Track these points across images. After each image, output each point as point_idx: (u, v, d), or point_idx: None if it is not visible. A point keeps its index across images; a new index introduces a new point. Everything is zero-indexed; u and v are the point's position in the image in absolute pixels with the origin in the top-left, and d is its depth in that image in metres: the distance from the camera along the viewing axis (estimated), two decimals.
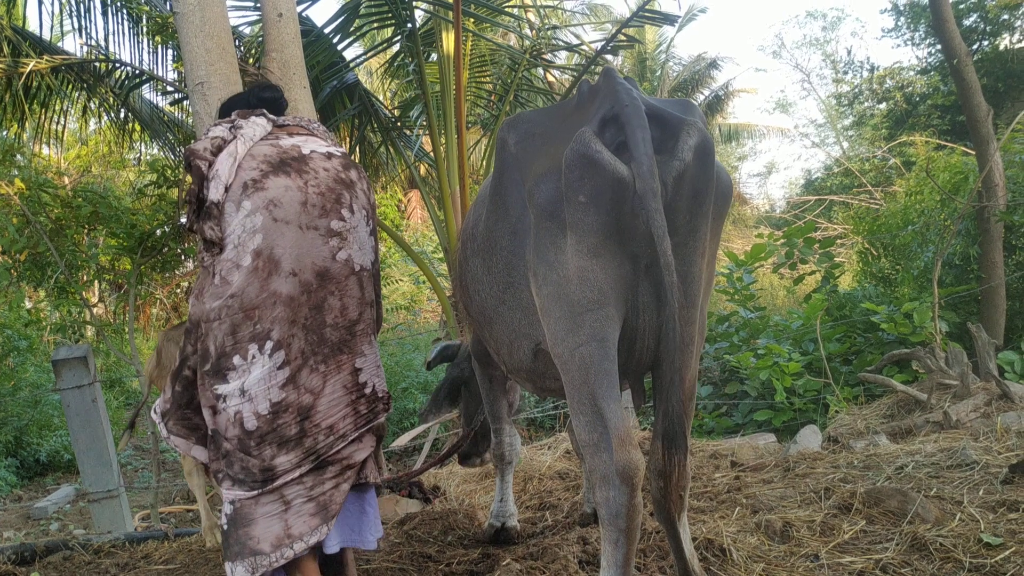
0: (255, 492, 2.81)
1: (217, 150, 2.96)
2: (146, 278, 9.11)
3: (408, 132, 9.16)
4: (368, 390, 3.09)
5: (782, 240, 9.42)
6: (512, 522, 4.15)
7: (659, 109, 2.61)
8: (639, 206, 2.44)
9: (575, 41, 11.46)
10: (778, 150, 65.35)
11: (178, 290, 15.96)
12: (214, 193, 2.92)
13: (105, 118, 8.72)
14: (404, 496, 4.81)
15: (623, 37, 8.46)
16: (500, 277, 3.05)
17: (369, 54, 9.11)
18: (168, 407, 3.07)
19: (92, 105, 8.40)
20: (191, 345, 2.98)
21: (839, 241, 12.27)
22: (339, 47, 7.87)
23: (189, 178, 3.04)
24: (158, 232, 7.49)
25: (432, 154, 8.50)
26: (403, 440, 7.27)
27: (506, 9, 9.02)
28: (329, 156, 3.19)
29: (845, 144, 28.50)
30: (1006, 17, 16.86)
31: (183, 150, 8.62)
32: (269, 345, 2.86)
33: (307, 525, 2.84)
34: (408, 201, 22.44)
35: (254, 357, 2.85)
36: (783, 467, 4.91)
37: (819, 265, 9.27)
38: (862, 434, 5.67)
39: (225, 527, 2.87)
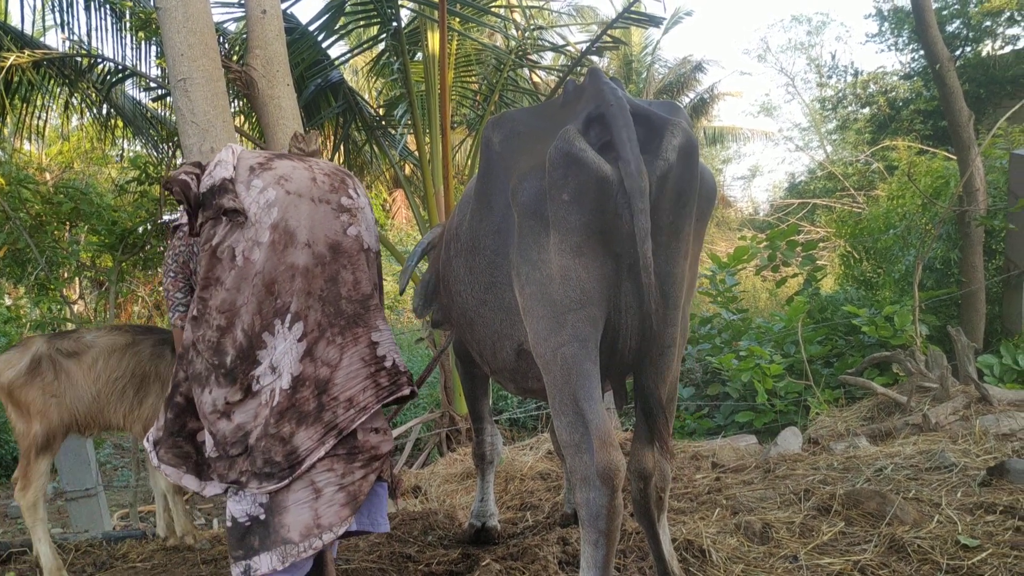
0: (286, 480, 2.78)
1: (196, 174, 3.01)
2: (127, 276, 9.05)
3: (393, 131, 9.15)
4: (388, 363, 3.06)
5: (765, 243, 9.46)
6: (492, 522, 4.14)
7: (644, 109, 2.60)
8: (624, 205, 2.43)
9: (561, 42, 11.48)
10: (762, 153, 65.62)
11: (160, 288, 15.84)
12: (222, 172, 2.94)
13: (87, 114, 8.65)
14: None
15: (608, 38, 8.47)
16: (483, 277, 3.05)
17: (354, 52, 9.07)
18: (160, 435, 3.03)
19: (74, 101, 8.32)
20: (183, 371, 2.97)
21: (822, 244, 12.33)
22: (324, 45, 7.85)
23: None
24: (140, 229, 7.44)
25: (416, 154, 8.49)
26: None
27: (492, 9, 9.02)
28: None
29: (829, 148, 28.62)
30: (988, 24, 17.00)
31: (166, 147, 8.61)
32: (288, 318, 2.87)
33: (337, 516, 2.81)
34: (393, 201, 22.39)
35: (279, 332, 2.86)
36: (763, 469, 4.93)
37: (801, 268, 9.31)
38: (842, 436, 5.70)
39: (248, 524, 2.83)
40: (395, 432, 7.42)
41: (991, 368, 7.25)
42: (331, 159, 8.90)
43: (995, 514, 3.65)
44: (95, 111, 8.50)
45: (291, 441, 2.79)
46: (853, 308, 8.02)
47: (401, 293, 4.44)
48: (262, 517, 2.81)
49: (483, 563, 3.53)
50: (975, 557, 3.17)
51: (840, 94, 23.01)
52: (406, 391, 3.09)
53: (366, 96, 12.77)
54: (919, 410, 5.89)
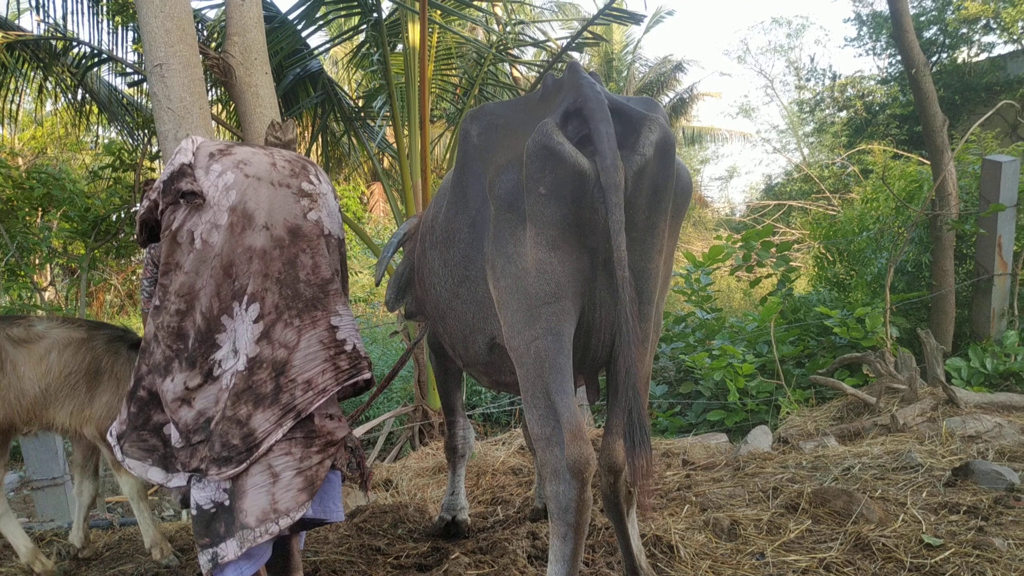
0: (244, 465, 2.76)
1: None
2: (100, 263, 8.97)
3: (371, 123, 9.11)
4: (349, 347, 3.05)
5: (740, 243, 9.51)
6: (463, 516, 4.15)
7: (622, 104, 2.61)
8: (600, 200, 2.43)
9: (542, 37, 11.48)
10: (740, 154, 66.06)
11: (133, 277, 15.68)
12: (181, 158, 2.96)
13: (62, 99, 8.55)
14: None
15: (589, 35, 8.48)
16: (457, 270, 3.05)
17: (335, 41, 9.01)
18: (124, 428, 2.99)
19: (48, 85, 8.22)
20: (145, 364, 2.96)
21: (796, 246, 12.42)
22: (303, 34, 7.79)
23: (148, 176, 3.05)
24: (113, 217, 7.37)
25: (395, 146, 8.46)
26: (357, 432, 7.22)
27: (473, 3, 9.00)
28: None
29: (806, 150, 28.86)
30: (965, 31, 17.20)
31: (142, 134, 8.52)
32: (245, 299, 2.87)
33: (295, 501, 2.79)
34: (371, 194, 22.33)
35: (237, 314, 2.87)
36: (733, 466, 4.97)
37: (775, 269, 9.37)
38: (811, 435, 5.75)
39: (213, 511, 2.80)
40: (367, 426, 7.41)
41: (959, 371, 7.33)
42: (309, 150, 8.85)
43: (959, 514, 3.71)
44: (70, 96, 8.41)
45: (248, 424, 2.78)
46: (825, 309, 8.08)
47: (377, 284, 4.43)
48: (227, 503, 2.79)
49: (452, 556, 3.54)
50: (938, 556, 3.22)
51: (818, 97, 23.19)
52: (367, 374, 3.08)
53: (346, 88, 12.71)
54: (888, 411, 5.95)
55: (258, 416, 2.79)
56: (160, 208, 2.99)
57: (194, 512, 2.84)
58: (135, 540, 4.45)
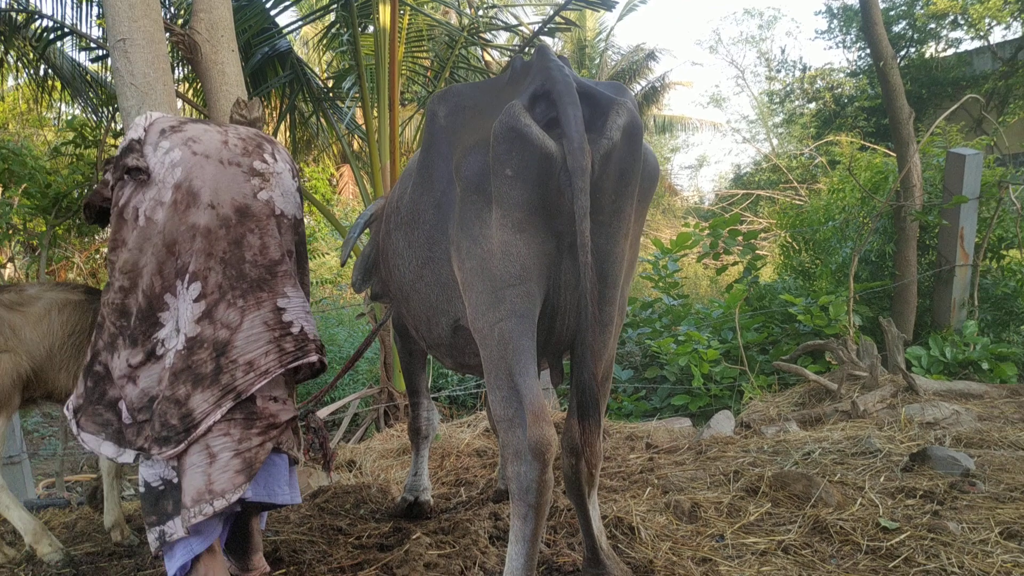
0: (182, 445, 2.74)
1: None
2: (62, 241, 8.80)
3: (340, 104, 9.02)
4: (295, 329, 3.02)
5: (707, 230, 9.58)
6: (425, 496, 4.15)
7: (590, 88, 2.61)
8: (566, 183, 2.43)
9: (514, 22, 11.43)
10: (710, 144, 66.48)
11: (96, 255, 15.46)
12: (132, 134, 2.96)
13: (23, 73, 8.37)
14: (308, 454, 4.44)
15: (561, 19, 8.46)
16: (421, 251, 3.03)
17: (305, 20, 8.92)
18: (81, 403, 2.97)
19: (9, 59, 8.05)
20: (101, 340, 2.94)
21: (763, 235, 12.54)
22: (272, 12, 7.69)
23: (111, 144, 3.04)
24: (75, 194, 7.24)
25: (364, 127, 8.39)
26: (322, 414, 7.19)
27: None
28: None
29: (775, 141, 29.07)
30: (933, 26, 17.39)
31: (106, 111, 8.38)
32: (187, 278, 2.84)
33: (231, 482, 2.76)
34: (340, 176, 22.17)
35: (180, 293, 2.84)
36: (696, 450, 5.01)
37: (742, 257, 9.46)
38: (773, 420, 5.82)
39: (161, 489, 2.79)
40: (332, 407, 7.38)
41: (919, 359, 7.46)
42: (276, 130, 8.76)
43: (915, 498, 3.78)
44: (31, 71, 8.23)
45: (186, 404, 2.76)
46: (790, 297, 8.17)
47: (343, 264, 4.39)
48: (175, 480, 2.78)
49: (414, 536, 3.54)
50: (894, 539, 3.27)
51: (788, 88, 23.37)
52: (313, 357, 3.05)
53: (316, 69, 12.58)
54: (849, 397, 6.04)
55: (197, 396, 2.77)
56: (111, 184, 2.97)
57: (142, 490, 2.83)
58: (91, 519, 4.40)
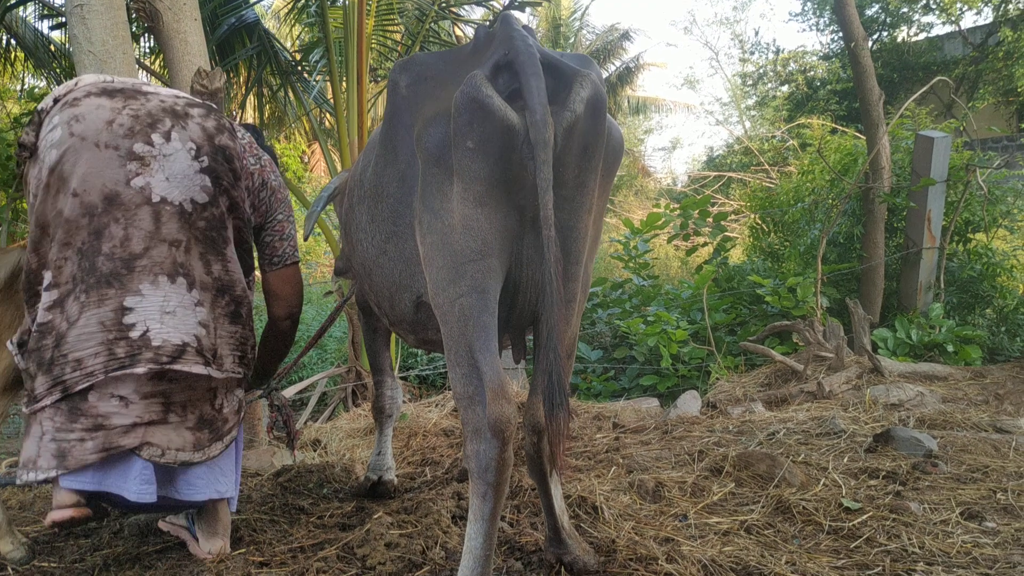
0: (29, 412, 2.78)
1: None
2: (24, 215, 8.63)
3: (308, 77, 8.89)
4: (135, 334, 2.75)
5: (678, 211, 9.58)
6: (389, 476, 4.10)
7: (554, 59, 2.54)
8: (528, 156, 2.37)
9: None
10: (683, 126, 66.65)
11: None
12: (43, 103, 2.88)
13: None
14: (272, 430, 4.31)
15: None
16: (384, 226, 2.97)
17: None
18: (25, 338, 2.92)
19: None
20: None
21: (733, 216, 12.56)
22: None
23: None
24: None
25: (333, 102, 8.28)
26: (289, 393, 7.12)
27: None
28: (192, 104, 3.05)
29: (747, 123, 29.19)
30: (905, 10, 17.48)
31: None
32: (48, 263, 2.80)
33: (46, 463, 2.71)
34: (312, 153, 21.95)
35: (45, 274, 2.82)
36: (662, 430, 5.01)
37: (711, 238, 9.47)
38: (739, 401, 5.83)
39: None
40: (299, 385, 7.31)
41: (885, 341, 7.51)
42: (243, 104, 8.61)
43: (878, 479, 3.79)
44: None
45: (34, 380, 2.76)
46: (758, 278, 8.19)
47: (305, 239, 4.30)
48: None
49: (376, 516, 3.50)
50: (856, 519, 3.28)
51: (761, 71, 23.43)
52: (140, 368, 2.73)
53: (287, 43, 12.37)
54: (814, 378, 6.06)
55: (40, 378, 2.75)
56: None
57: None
58: (49, 496, 4.31)
